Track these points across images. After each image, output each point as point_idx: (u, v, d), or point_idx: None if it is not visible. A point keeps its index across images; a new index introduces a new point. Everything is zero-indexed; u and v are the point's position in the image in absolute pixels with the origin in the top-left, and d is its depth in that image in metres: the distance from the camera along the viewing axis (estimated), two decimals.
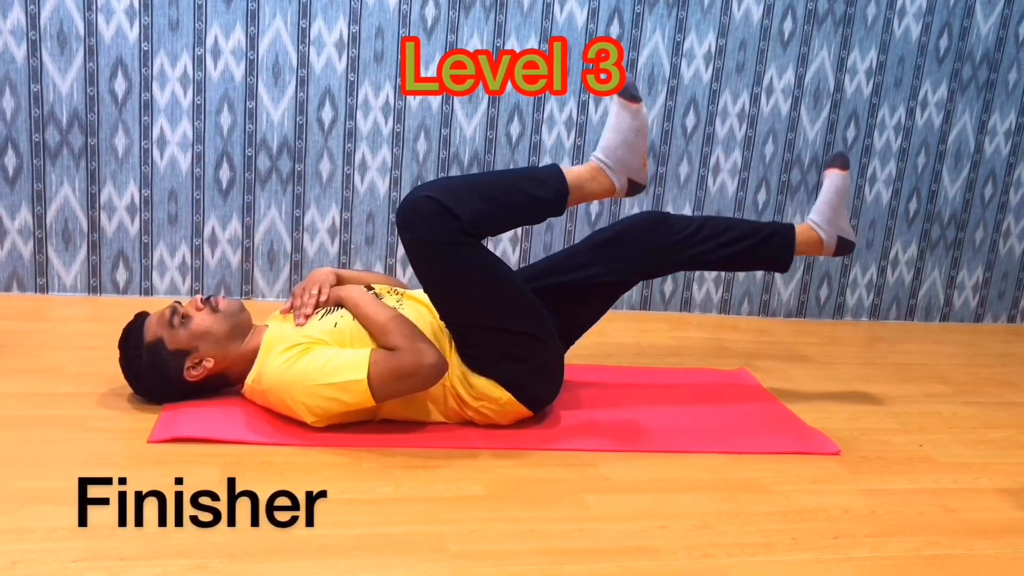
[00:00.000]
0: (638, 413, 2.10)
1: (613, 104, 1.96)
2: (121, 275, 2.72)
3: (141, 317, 1.91)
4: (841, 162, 2.23)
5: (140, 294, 2.73)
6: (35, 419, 1.81)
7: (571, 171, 1.95)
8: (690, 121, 2.93)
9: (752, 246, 2.14)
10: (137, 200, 2.68)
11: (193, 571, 1.33)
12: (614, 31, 2.82)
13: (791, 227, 2.20)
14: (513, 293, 1.91)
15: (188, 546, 1.39)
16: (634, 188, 1.99)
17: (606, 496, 1.68)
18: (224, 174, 2.71)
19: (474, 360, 1.88)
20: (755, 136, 2.98)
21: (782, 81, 2.95)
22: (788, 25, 2.91)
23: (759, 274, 3.10)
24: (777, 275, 3.11)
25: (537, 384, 1.94)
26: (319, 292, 1.94)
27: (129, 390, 1.95)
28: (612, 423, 2.03)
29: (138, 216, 2.69)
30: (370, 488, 1.63)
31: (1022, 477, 1.95)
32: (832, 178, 2.22)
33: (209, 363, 1.87)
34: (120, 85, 2.59)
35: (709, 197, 2.99)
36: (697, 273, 3.05)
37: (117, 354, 1.90)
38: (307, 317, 1.88)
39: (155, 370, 1.86)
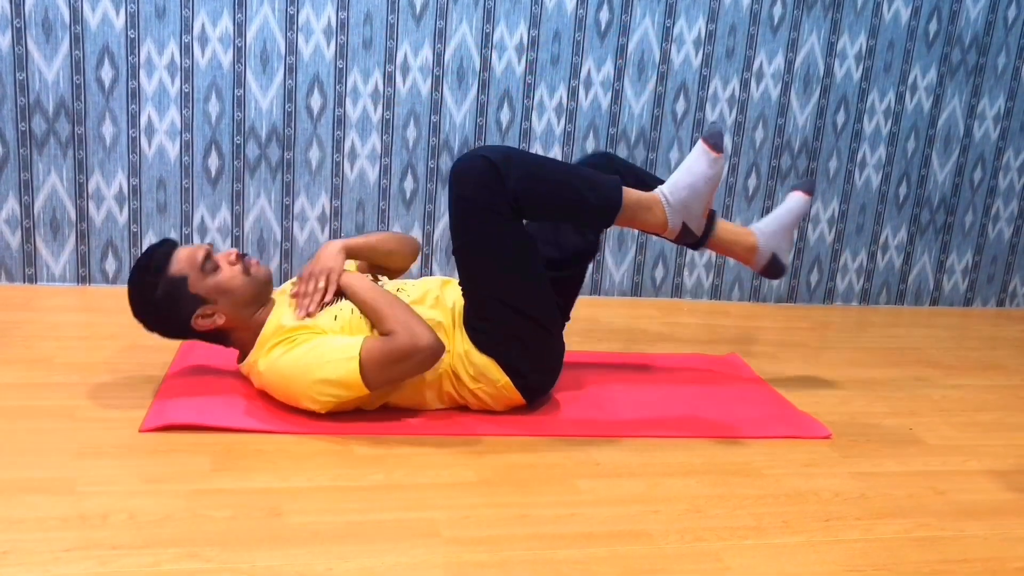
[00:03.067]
0: (629, 398, 2.10)
1: (696, 147, 1.93)
2: (110, 265, 2.71)
3: (169, 245, 1.85)
4: (809, 187, 2.19)
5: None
6: (25, 409, 1.80)
7: (632, 192, 1.92)
8: (680, 107, 2.92)
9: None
10: (125, 189, 2.66)
11: (185, 559, 1.33)
12: (604, 16, 2.81)
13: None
14: (538, 279, 1.91)
15: (179, 535, 1.39)
16: (686, 235, 1.96)
17: (598, 481, 1.69)
18: (213, 162, 2.69)
19: (481, 335, 1.88)
20: (745, 121, 2.98)
21: (772, 66, 2.94)
22: (778, 10, 2.91)
23: None
24: None
25: (535, 373, 1.94)
26: (325, 288, 1.89)
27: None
28: (604, 408, 2.03)
29: (127, 205, 2.68)
30: (362, 475, 1.63)
31: (1011, 459, 1.96)
32: (795, 200, 2.17)
33: (220, 319, 1.85)
34: (107, 73, 2.57)
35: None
36: (688, 259, 3.06)
37: (130, 285, 1.84)
38: (309, 315, 1.84)
39: (166, 303, 1.82)
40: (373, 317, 1.84)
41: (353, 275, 1.93)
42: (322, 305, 1.88)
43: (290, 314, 1.87)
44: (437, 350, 1.79)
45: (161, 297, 1.82)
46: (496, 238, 1.85)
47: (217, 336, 1.90)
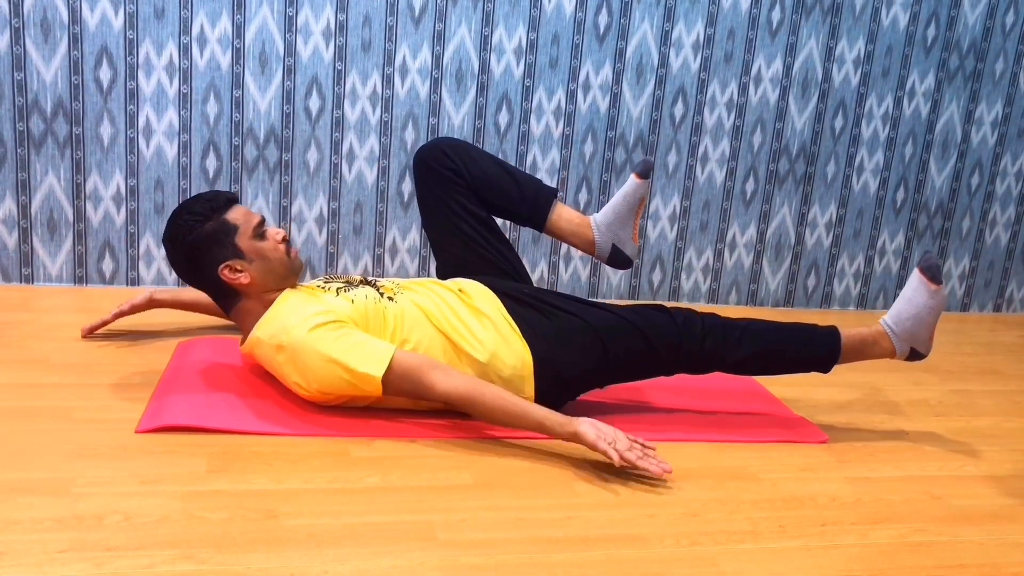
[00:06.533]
0: (625, 402, 2.10)
1: (914, 277, 2.03)
2: (107, 265, 2.70)
3: (233, 195, 1.94)
4: (644, 169, 2.09)
5: (126, 284, 2.72)
6: (20, 410, 1.80)
7: (851, 335, 2.04)
8: (679, 110, 2.92)
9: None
10: (123, 190, 2.66)
11: (180, 561, 1.33)
12: (602, 20, 2.81)
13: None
14: (620, 361, 1.99)
15: (175, 536, 1.39)
16: (914, 356, 2.06)
17: (594, 485, 1.68)
18: (211, 163, 2.69)
19: (540, 341, 1.92)
20: (743, 125, 2.98)
21: (770, 70, 2.95)
22: (776, 14, 2.91)
23: (747, 264, 3.11)
24: (765, 264, 3.12)
25: (554, 401, 1.94)
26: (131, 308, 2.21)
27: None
28: (600, 412, 2.03)
29: (124, 206, 2.67)
30: (358, 477, 1.63)
31: (1007, 464, 1.96)
32: (630, 184, 2.10)
33: (245, 279, 1.88)
34: (105, 73, 2.57)
35: (697, 186, 3.00)
36: (685, 263, 3.06)
37: (178, 211, 1.90)
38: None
39: (207, 241, 1.87)
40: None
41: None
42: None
43: (305, 295, 1.89)
44: (459, 398, 1.78)
45: (206, 233, 1.87)
46: (661, 359, 1.98)
47: (227, 294, 1.92)
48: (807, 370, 2.06)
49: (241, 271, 1.88)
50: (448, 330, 1.89)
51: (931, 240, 3.21)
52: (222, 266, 1.87)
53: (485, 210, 2.11)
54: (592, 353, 1.94)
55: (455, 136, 2.80)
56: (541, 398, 1.90)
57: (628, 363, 1.97)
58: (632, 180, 2.10)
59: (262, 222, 1.92)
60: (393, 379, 1.77)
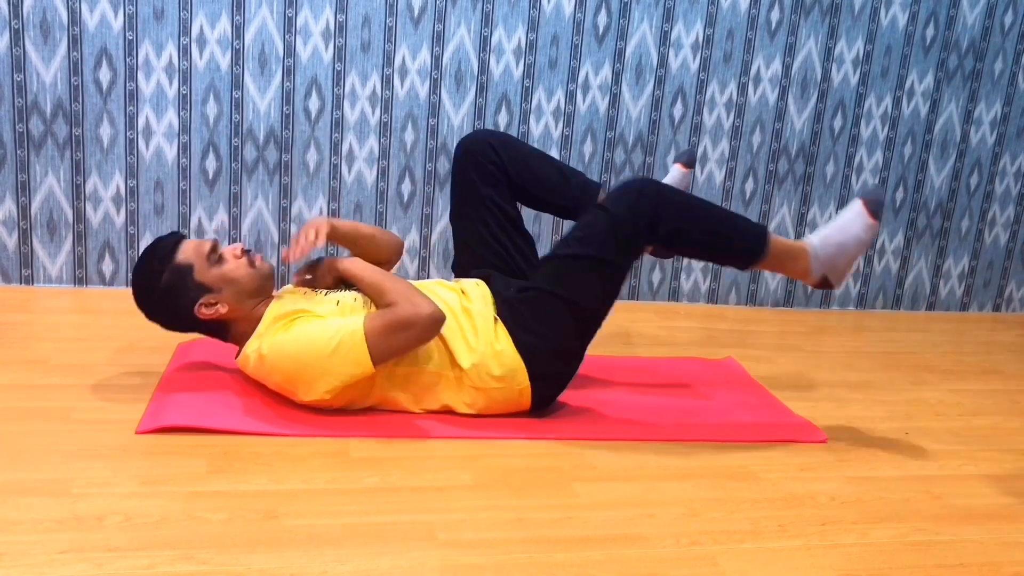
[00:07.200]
0: (626, 402, 2.10)
1: (854, 206, 1.97)
2: (107, 266, 2.70)
3: (177, 236, 1.90)
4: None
5: (126, 285, 2.72)
6: (20, 411, 1.80)
7: (779, 241, 1.97)
8: (678, 111, 2.93)
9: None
10: (123, 191, 2.66)
11: (180, 562, 1.33)
12: (602, 20, 2.81)
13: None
14: (610, 305, 1.97)
15: (175, 537, 1.39)
16: (823, 284, 2.01)
17: (594, 484, 1.69)
18: (210, 164, 2.69)
19: (531, 337, 1.90)
20: (743, 126, 2.98)
21: (769, 71, 2.95)
22: (775, 15, 2.91)
23: None
24: None
25: (558, 382, 1.97)
26: (316, 235, 1.94)
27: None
28: (600, 412, 2.03)
29: (124, 207, 2.67)
30: (358, 478, 1.63)
31: (1007, 463, 1.96)
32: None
33: (223, 308, 1.87)
34: (105, 75, 2.57)
35: (697, 187, 3.00)
36: (685, 263, 3.06)
37: (134, 273, 1.88)
38: (303, 252, 1.89)
39: (171, 291, 1.85)
40: (374, 292, 1.87)
41: (353, 259, 1.96)
42: (314, 245, 1.92)
43: (289, 302, 1.88)
44: (438, 318, 1.81)
45: (166, 285, 1.85)
46: (617, 261, 1.92)
47: (217, 328, 1.91)
48: (730, 260, 1.99)
49: (216, 303, 1.86)
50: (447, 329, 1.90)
51: (930, 240, 3.22)
52: (196, 307, 1.86)
53: (528, 204, 2.15)
54: (565, 319, 1.92)
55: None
56: (540, 382, 1.92)
57: (599, 294, 1.94)
58: (678, 170, 2.18)
59: (215, 246, 1.88)
60: (376, 338, 1.77)
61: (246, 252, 1.90)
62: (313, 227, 1.96)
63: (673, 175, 2.37)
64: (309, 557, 1.37)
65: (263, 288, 1.91)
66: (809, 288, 3.17)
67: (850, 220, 1.96)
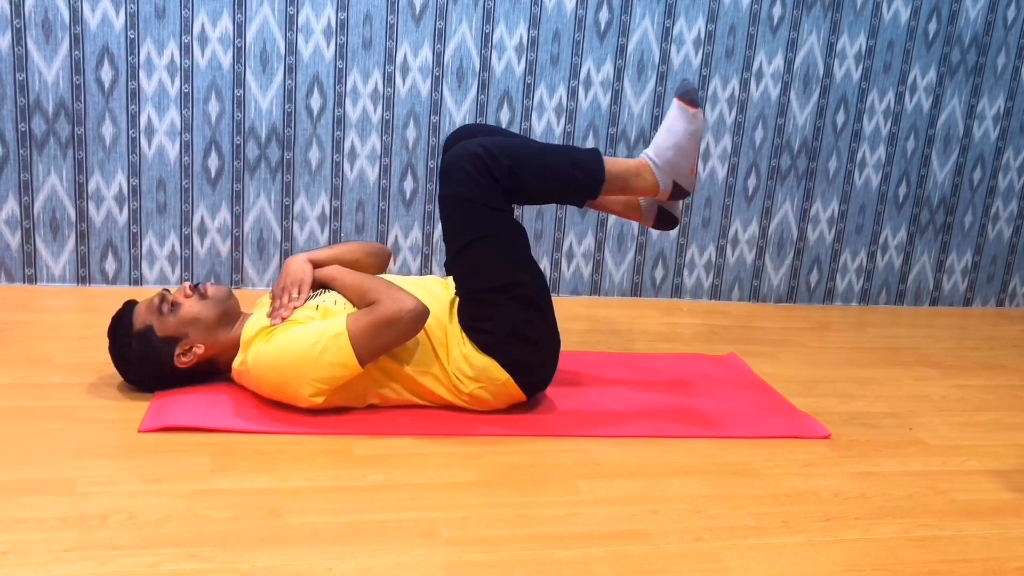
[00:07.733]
0: (629, 399, 2.10)
1: (672, 107, 1.95)
2: (110, 265, 2.71)
3: (129, 306, 1.91)
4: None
5: (129, 284, 2.72)
6: (24, 410, 1.80)
7: (615, 161, 1.94)
8: None
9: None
10: (125, 189, 2.66)
11: (184, 560, 1.33)
12: (603, 17, 2.81)
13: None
14: (533, 264, 1.95)
15: (179, 535, 1.39)
16: (678, 192, 1.98)
17: (597, 481, 1.69)
18: (213, 163, 2.69)
19: (484, 336, 1.88)
20: (745, 121, 2.98)
21: (772, 66, 2.94)
22: (777, 10, 2.91)
23: (749, 260, 3.10)
24: (767, 260, 3.11)
25: (538, 367, 1.94)
26: (299, 294, 1.90)
27: (119, 379, 1.94)
28: (603, 409, 2.03)
29: (126, 205, 2.68)
30: (361, 475, 1.63)
31: (1010, 459, 1.96)
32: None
33: (199, 349, 1.87)
34: (106, 73, 2.57)
35: (699, 182, 2.99)
36: (688, 259, 3.06)
37: (107, 344, 1.90)
38: (284, 319, 1.85)
39: (146, 357, 1.86)
40: (356, 294, 1.88)
41: (331, 267, 1.96)
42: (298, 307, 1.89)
43: (266, 316, 1.88)
44: (422, 313, 1.81)
45: (139, 353, 1.86)
46: (493, 230, 1.88)
47: (209, 368, 1.92)
48: (574, 200, 1.98)
49: (190, 347, 1.87)
50: (432, 325, 1.89)
51: (933, 235, 3.21)
52: (175, 361, 1.87)
53: (525, 202, 2.06)
54: (500, 305, 1.89)
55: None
56: (518, 371, 1.89)
57: (508, 265, 1.91)
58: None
59: (163, 298, 1.86)
60: (360, 336, 1.76)
61: (195, 288, 1.89)
62: (295, 284, 1.92)
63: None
64: (313, 554, 1.37)
65: (227, 313, 1.91)
66: (811, 283, 3.17)
67: (674, 119, 1.94)
